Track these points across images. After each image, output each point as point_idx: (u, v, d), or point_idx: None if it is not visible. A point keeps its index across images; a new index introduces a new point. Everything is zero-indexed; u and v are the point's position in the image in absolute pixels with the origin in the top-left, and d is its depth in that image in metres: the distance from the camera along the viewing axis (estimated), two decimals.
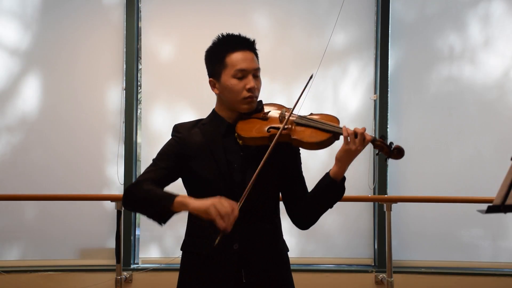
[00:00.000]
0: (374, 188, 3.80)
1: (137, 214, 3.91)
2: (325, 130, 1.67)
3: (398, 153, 1.67)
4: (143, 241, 3.83)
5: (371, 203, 3.81)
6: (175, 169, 1.73)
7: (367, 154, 3.77)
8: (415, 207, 3.75)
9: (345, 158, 1.65)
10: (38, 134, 3.81)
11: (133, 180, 3.80)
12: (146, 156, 3.84)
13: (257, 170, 1.61)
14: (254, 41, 1.75)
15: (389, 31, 3.83)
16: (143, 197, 1.62)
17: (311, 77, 1.71)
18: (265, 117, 1.73)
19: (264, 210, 1.73)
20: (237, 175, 1.69)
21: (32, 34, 3.83)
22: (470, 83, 3.85)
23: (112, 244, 3.45)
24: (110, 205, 3.55)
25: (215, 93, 1.77)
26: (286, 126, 1.67)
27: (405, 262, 3.77)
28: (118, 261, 3.28)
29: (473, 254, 3.79)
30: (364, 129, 1.63)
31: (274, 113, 1.75)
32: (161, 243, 3.82)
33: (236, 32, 1.76)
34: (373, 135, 1.69)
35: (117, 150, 3.82)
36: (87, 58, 3.85)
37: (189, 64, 3.84)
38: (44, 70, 3.83)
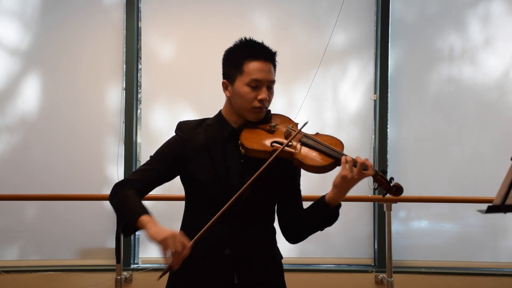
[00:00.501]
0: (374, 188, 3.79)
1: None
2: (328, 155, 1.63)
3: (396, 190, 1.65)
4: (143, 241, 3.83)
5: (371, 203, 3.82)
6: (170, 170, 1.72)
7: (366, 155, 3.77)
8: (415, 207, 3.75)
9: (341, 186, 1.61)
10: (38, 134, 3.81)
11: None
12: (146, 156, 3.82)
13: (247, 183, 1.59)
14: (275, 53, 1.73)
15: (389, 31, 3.83)
16: (118, 203, 1.63)
17: (305, 123, 1.69)
18: (271, 130, 1.70)
19: (257, 219, 1.72)
20: (234, 179, 1.68)
21: (32, 34, 3.83)
22: (470, 83, 3.85)
23: (112, 244, 3.45)
24: (110, 205, 3.54)
25: (226, 95, 1.76)
26: (290, 144, 1.64)
27: (405, 262, 3.77)
28: (118, 261, 3.28)
29: (473, 254, 3.79)
30: (366, 160, 1.61)
31: (281, 127, 1.72)
32: None
33: (259, 40, 1.74)
34: (375, 169, 1.65)
35: (117, 150, 3.82)
36: (87, 58, 3.85)
37: (189, 64, 3.84)
38: (44, 70, 3.83)
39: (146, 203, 4.18)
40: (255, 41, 1.73)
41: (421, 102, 3.87)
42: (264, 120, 1.73)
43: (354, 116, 3.84)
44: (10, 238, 3.79)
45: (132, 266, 3.75)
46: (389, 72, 3.82)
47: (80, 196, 3.55)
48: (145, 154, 3.85)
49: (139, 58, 3.90)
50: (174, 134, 1.78)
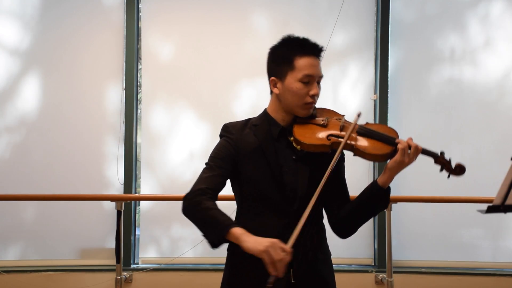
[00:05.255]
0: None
1: (137, 214, 3.92)
2: (387, 143, 1.67)
3: (460, 170, 1.68)
4: (143, 241, 3.83)
5: None
6: (229, 173, 1.72)
7: None
8: (415, 207, 3.74)
9: (396, 169, 1.66)
10: (38, 134, 3.81)
11: (134, 179, 3.81)
12: (146, 156, 3.84)
13: (320, 185, 1.59)
14: (322, 48, 1.75)
15: (389, 31, 3.83)
16: (201, 215, 1.60)
17: (359, 114, 1.76)
18: (324, 124, 1.72)
19: (312, 216, 1.70)
20: (288, 178, 1.69)
21: (32, 34, 3.83)
22: (470, 83, 3.85)
23: (112, 244, 3.45)
24: (110, 205, 3.54)
25: (274, 93, 1.75)
26: (349, 135, 1.67)
27: (405, 262, 3.77)
28: (118, 261, 3.28)
29: (473, 254, 3.79)
30: (412, 141, 1.68)
31: (332, 120, 1.75)
32: (161, 243, 3.82)
33: (306, 36, 1.76)
34: (436, 152, 1.72)
35: (117, 150, 3.82)
36: (87, 58, 3.85)
37: (189, 64, 3.84)
38: (44, 70, 3.83)
39: (146, 203, 4.14)
40: (303, 37, 1.75)
41: (421, 102, 3.87)
42: (312, 115, 1.75)
43: (354, 116, 3.83)
44: (10, 238, 3.79)
45: (132, 266, 3.75)
46: (389, 72, 3.82)
47: (80, 196, 3.56)
48: (145, 154, 3.85)
49: (139, 58, 3.90)
50: (220, 137, 1.77)
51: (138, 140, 3.90)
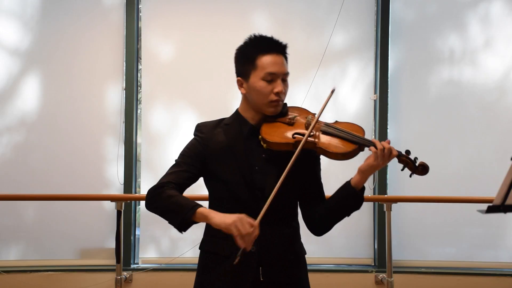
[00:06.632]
0: (374, 188, 3.80)
1: (137, 214, 3.91)
2: (351, 141, 1.67)
3: (423, 169, 1.68)
4: (143, 241, 3.83)
5: (371, 203, 3.81)
6: (197, 170, 1.74)
7: (366, 154, 3.77)
8: (415, 207, 3.75)
9: (369, 171, 1.67)
10: (38, 134, 3.81)
11: (134, 179, 3.81)
12: (146, 156, 3.84)
13: (280, 180, 1.59)
14: (286, 45, 1.75)
15: (389, 31, 3.83)
16: (165, 203, 1.65)
17: (333, 91, 1.72)
18: (291, 122, 1.72)
19: (283, 215, 1.73)
20: (258, 177, 1.70)
21: (32, 34, 3.83)
22: (470, 83, 3.85)
23: (112, 244, 3.46)
24: (110, 205, 3.55)
25: (241, 93, 1.77)
26: (312, 133, 1.66)
27: (405, 262, 3.77)
28: (118, 261, 3.28)
29: (473, 254, 3.79)
30: (389, 144, 1.66)
31: (300, 118, 1.74)
32: (161, 243, 3.82)
33: (269, 35, 1.76)
34: (399, 150, 1.69)
35: (117, 150, 3.82)
36: (87, 58, 3.85)
37: (189, 64, 3.84)
38: (44, 70, 3.83)
39: (143, 203, 4.12)
40: (265, 36, 1.75)
41: (421, 103, 3.87)
42: (282, 113, 1.75)
43: (354, 117, 3.84)
44: (10, 238, 3.79)
45: (132, 266, 3.75)
46: (389, 72, 3.82)
47: (80, 196, 3.55)
48: (145, 154, 3.85)
49: (139, 58, 3.90)
50: (192, 136, 1.80)
51: (138, 140, 3.90)
